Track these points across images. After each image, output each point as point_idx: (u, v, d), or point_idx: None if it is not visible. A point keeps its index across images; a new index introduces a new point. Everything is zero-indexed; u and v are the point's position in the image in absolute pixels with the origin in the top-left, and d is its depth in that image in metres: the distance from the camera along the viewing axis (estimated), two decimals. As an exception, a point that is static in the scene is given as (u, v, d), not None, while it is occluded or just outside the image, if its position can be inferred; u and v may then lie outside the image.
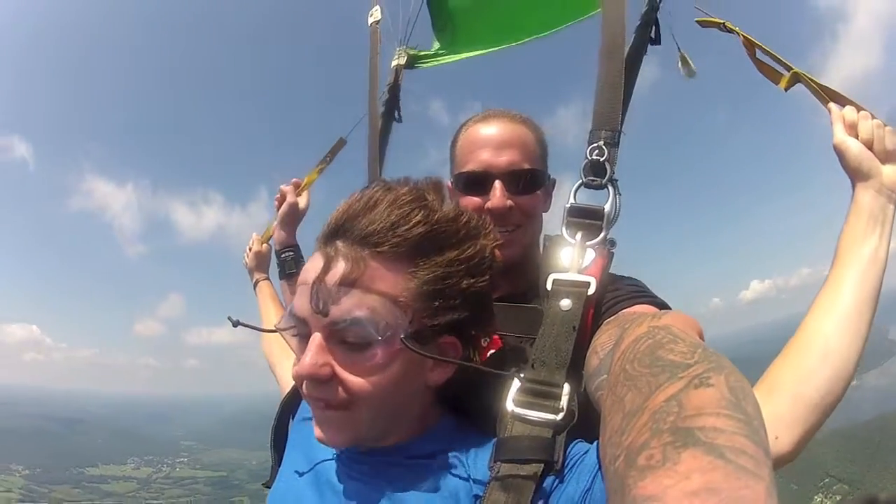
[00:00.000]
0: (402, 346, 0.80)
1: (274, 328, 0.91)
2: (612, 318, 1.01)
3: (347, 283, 0.81)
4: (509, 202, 1.30)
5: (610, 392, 0.61)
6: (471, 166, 1.34)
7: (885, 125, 1.20)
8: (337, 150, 2.17)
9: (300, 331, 0.86)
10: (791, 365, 1.01)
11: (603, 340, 0.89)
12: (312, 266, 0.86)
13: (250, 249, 2.23)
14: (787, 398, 0.96)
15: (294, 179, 2.03)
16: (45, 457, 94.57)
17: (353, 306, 0.80)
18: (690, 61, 1.72)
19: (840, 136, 1.20)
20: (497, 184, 1.31)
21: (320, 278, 0.82)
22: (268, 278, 2.17)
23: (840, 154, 1.19)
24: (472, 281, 0.88)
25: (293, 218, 2.01)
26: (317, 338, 0.82)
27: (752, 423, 0.46)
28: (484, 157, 1.33)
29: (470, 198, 1.33)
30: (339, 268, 0.82)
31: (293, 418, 1.23)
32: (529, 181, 1.34)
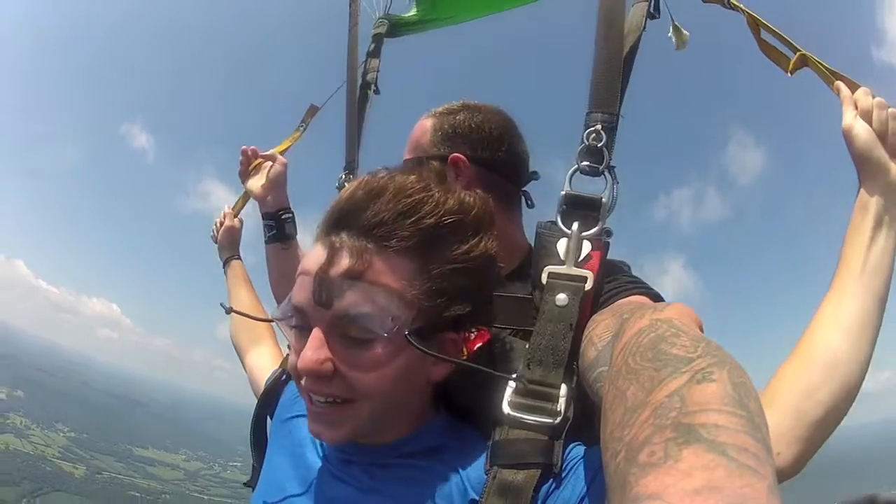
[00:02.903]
0: (406, 342, 0.80)
1: (270, 318, 0.91)
2: (608, 308, 0.98)
3: (352, 276, 0.79)
4: None
5: (611, 385, 0.60)
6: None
7: None
8: (310, 118, 2.16)
9: (298, 322, 0.85)
10: (794, 378, 0.97)
11: (600, 331, 0.86)
12: (314, 257, 0.83)
13: (220, 224, 2.09)
14: (790, 414, 0.92)
15: (253, 147, 1.95)
16: (95, 426, 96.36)
17: (358, 300, 0.79)
18: (683, 30, 1.67)
19: (849, 120, 1.11)
20: None
21: (324, 270, 0.80)
22: (238, 257, 2.04)
23: (848, 140, 1.11)
24: (477, 278, 0.87)
25: (283, 177, 1.93)
26: (318, 332, 0.81)
27: (754, 420, 0.45)
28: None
29: None
30: (344, 260, 0.80)
31: (271, 416, 1.23)
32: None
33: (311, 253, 0.85)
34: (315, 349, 0.79)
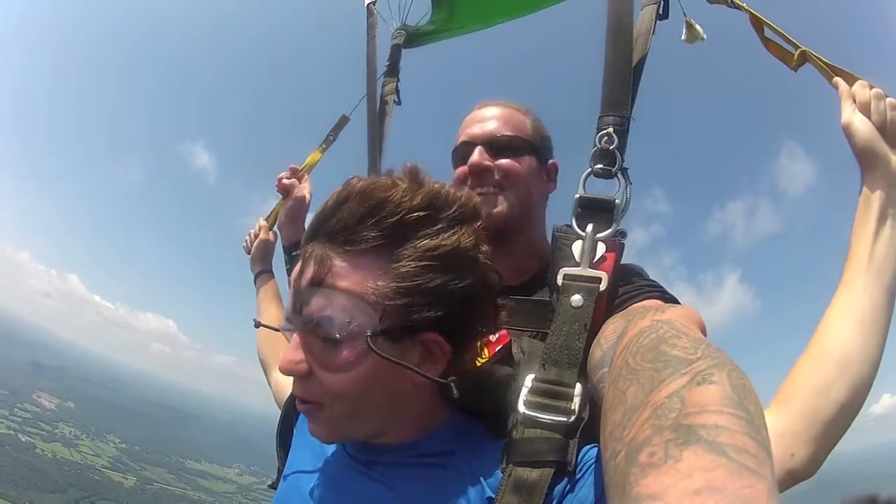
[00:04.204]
0: (367, 344, 0.79)
1: (279, 328, 0.96)
2: (622, 311, 1.00)
3: (315, 282, 0.82)
4: (487, 161, 1.38)
5: (612, 385, 0.61)
6: (460, 140, 1.47)
7: None
8: (340, 128, 2.15)
9: (291, 327, 0.89)
10: (807, 376, 0.98)
11: (607, 333, 0.88)
12: (296, 269, 0.88)
13: (255, 236, 2.10)
14: (804, 413, 0.93)
15: (291, 166, 1.97)
16: (147, 439, 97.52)
17: (319, 305, 0.81)
18: (696, 26, 1.67)
19: (848, 114, 1.13)
20: (477, 148, 1.40)
21: (297, 280, 0.85)
22: (270, 272, 2.06)
23: (848, 135, 1.13)
24: (449, 277, 0.83)
25: (300, 212, 1.92)
26: (297, 336, 0.85)
27: (753, 421, 0.46)
28: (470, 131, 1.45)
29: (459, 169, 1.43)
30: (310, 268, 0.83)
31: (297, 420, 1.25)
32: (510, 145, 1.41)
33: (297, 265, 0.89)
34: (292, 351, 0.84)
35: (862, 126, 1.10)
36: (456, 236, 0.84)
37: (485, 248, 0.89)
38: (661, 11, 1.35)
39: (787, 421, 0.92)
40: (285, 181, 1.89)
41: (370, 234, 0.80)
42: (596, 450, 0.84)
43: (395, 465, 0.92)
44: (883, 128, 1.10)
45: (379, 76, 1.95)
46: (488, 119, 1.43)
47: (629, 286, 1.12)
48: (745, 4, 1.39)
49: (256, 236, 2.06)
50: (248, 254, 2.07)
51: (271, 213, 2.07)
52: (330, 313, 0.80)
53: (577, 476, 0.81)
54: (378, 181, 0.84)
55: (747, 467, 0.39)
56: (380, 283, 0.80)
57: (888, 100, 1.11)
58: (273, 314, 1.88)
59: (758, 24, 1.39)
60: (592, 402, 0.88)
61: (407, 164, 0.89)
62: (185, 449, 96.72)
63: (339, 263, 0.81)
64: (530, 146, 1.41)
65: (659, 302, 1.07)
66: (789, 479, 0.90)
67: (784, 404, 0.94)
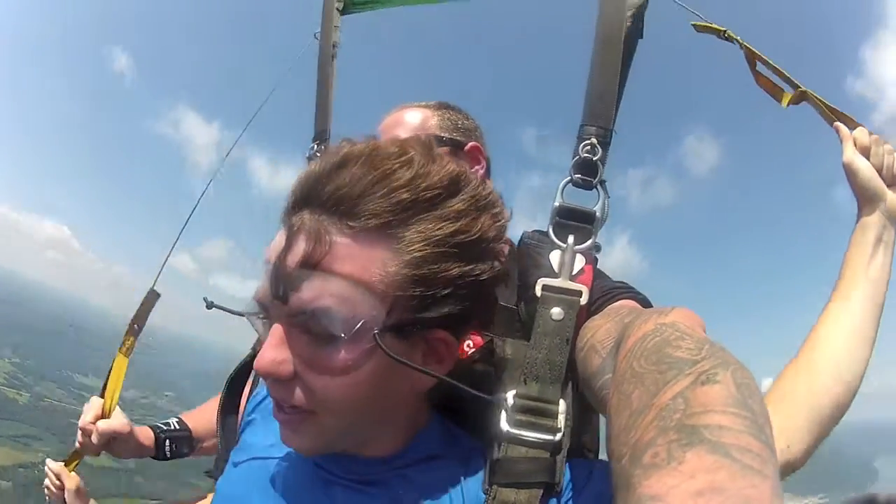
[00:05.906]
0: (374, 343, 0.68)
1: (242, 313, 0.83)
2: (601, 313, 0.97)
3: (309, 264, 0.68)
4: None
5: (616, 390, 0.60)
6: None
7: None
8: (148, 310, 1.87)
9: (264, 316, 0.76)
10: (804, 379, 1.07)
11: (601, 337, 0.85)
12: (275, 243, 0.74)
13: (60, 488, 1.71)
14: (802, 410, 1.02)
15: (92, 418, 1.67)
16: (41, 353, 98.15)
17: (314, 295, 0.67)
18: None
19: (849, 155, 1.21)
20: None
21: (281, 258, 0.70)
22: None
23: (849, 173, 1.22)
24: (468, 267, 0.74)
25: (122, 438, 1.67)
26: (277, 329, 0.71)
27: (757, 420, 0.45)
28: None
29: None
30: (300, 245, 0.68)
31: (248, 399, 1.10)
32: None
33: (275, 238, 0.74)
34: (273, 348, 0.69)
35: (863, 165, 1.18)
36: (479, 223, 0.74)
37: (506, 238, 0.83)
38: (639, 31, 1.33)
39: (784, 416, 0.98)
40: (86, 427, 1.62)
41: (378, 208, 0.67)
42: (583, 465, 0.83)
43: (367, 481, 0.83)
44: (880, 170, 1.20)
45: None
46: (381, 134, 1.43)
47: (601, 289, 1.11)
48: (739, 38, 1.37)
49: (60, 488, 1.67)
50: None
51: (71, 455, 1.73)
52: (329, 304, 0.67)
53: (566, 496, 0.79)
54: (383, 146, 0.72)
55: (751, 467, 0.39)
56: (390, 270, 0.68)
57: (886, 145, 1.21)
58: None
59: (751, 59, 1.37)
60: (575, 416, 0.86)
61: (421, 136, 0.81)
62: (74, 363, 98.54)
63: (340, 241, 0.67)
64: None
65: (636, 303, 1.10)
66: (787, 470, 0.97)
67: (781, 402, 1.02)
